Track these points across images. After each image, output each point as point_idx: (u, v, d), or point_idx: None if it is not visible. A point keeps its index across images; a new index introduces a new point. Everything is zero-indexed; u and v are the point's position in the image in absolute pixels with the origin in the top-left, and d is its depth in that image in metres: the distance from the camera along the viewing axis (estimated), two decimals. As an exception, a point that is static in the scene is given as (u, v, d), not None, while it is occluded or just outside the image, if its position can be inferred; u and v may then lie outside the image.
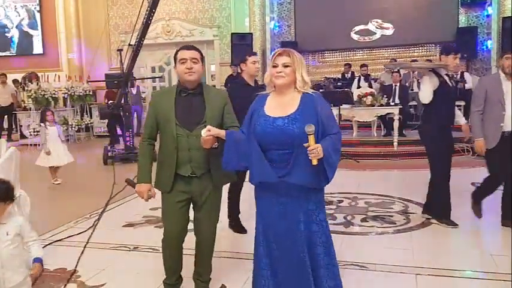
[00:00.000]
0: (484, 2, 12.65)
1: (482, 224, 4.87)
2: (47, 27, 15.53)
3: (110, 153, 9.26)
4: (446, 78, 4.83)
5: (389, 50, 13.64)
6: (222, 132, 2.77)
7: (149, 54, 14.94)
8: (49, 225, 5.28)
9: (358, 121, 10.14)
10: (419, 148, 9.10)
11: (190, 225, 3.26)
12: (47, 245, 4.62)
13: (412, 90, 11.31)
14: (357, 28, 13.66)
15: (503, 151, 4.51)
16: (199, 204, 3.15)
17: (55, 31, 15.38)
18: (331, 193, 6.16)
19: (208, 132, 2.73)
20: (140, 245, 4.48)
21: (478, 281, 3.64)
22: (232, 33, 13.00)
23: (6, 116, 13.44)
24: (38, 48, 15.74)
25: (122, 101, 9.64)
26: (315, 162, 2.44)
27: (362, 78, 11.87)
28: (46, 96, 12.21)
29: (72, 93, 13.09)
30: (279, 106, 2.65)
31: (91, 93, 13.81)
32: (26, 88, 12.57)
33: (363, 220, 5.18)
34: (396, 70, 10.69)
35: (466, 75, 10.93)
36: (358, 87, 11.44)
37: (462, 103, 10.05)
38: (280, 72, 2.61)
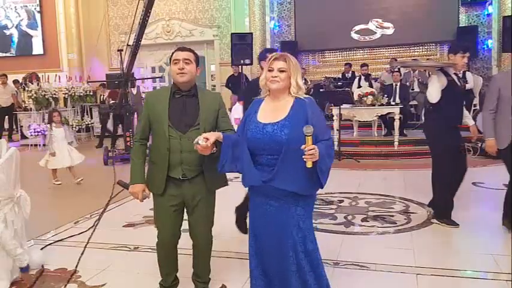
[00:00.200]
0: (485, 1, 12.64)
1: (483, 224, 4.87)
2: (47, 27, 15.52)
3: (110, 153, 9.26)
4: (455, 77, 4.79)
5: (390, 49, 13.63)
6: (220, 136, 2.74)
7: (149, 54, 14.95)
8: (50, 225, 5.29)
9: (359, 121, 10.13)
10: (420, 148, 9.15)
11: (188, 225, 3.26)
12: (47, 245, 4.63)
13: (413, 89, 11.31)
14: (357, 28, 13.65)
15: None
16: (192, 208, 3.14)
17: (55, 31, 15.37)
18: (331, 193, 6.16)
19: (207, 142, 2.66)
20: (140, 245, 4.48)
21: (479, 280, 3.63)
22: (232, 33, 12.97)
23: (6, 117, 13.43)
24: (38, 49, 15.73)
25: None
26: (309, 164, 2.43)
27: (362, 77, 11.86)
28: (46, 96, 12.20)
29: (73, 94, 13.08)
30: (270, 112, 2.66)
31: (91, 93, 13.81)
32: (26, 88, 12.57)
33: (364, 220, 5.18)
34: (397, 69, 10.68)
35: (468, 74, 10.92)
36: (359, 86, 11.44)
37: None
38: (275, 77, 2.61)
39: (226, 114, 3.20)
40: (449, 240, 4.52)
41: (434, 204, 5.01)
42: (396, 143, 9.30)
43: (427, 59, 12.27)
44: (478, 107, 10.01)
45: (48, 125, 7.51)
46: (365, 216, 5.31)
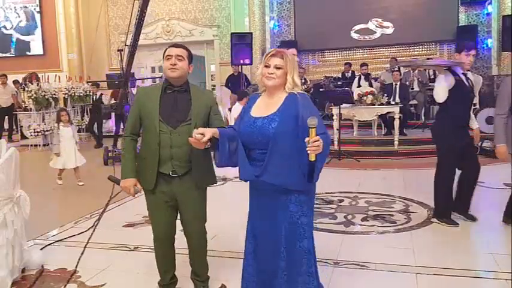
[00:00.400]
0: (484, 0, 12.64)
1: (483, 223, 4.86)
2: (47, 27, 15.53)
3: (110, 154, 9.26)
4: (463, 77, 4.76)
5: (390, 49, 13.62)
6: (216, 132, 2.72)
7: (149, 54, 14.95)
8: (49, 225, 5.29)
9: (359, 120, 10.13)
10: (420, 147, 9.17)
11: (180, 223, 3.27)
12: (47, 245, 4.64)
13: (413, 89, 11.31)
14: (357, 27, 13.64)
15: None
16: (183, 205, 3.15)
17: (55, 32, 15.39)
18: (331, 192, 6.17)
19: (202, 137, 2.62)
20: (140, 245, 4.47)
21: (479, 280, 3.64)
22: (232, 33, 12.99)
23: (6, 117, 13.44)
24: (38, 49, 15.74)
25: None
26: (313, 157, 2.39)
27: (362, 77, 11.87)
28: (46, 96, 12.19)
29: (73, 94, 13.08)
30: (263, 107, 2.67)
31: (91, 93, 13.80)
32: (26, 89, 12.57)
33: (364, 219, 5.17)
34: (397, 69, 10.68)
35: (468, 74, 10.91)
36: (359, 86, 11.44)
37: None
38: (272, 73, 2.61)
39: (219, 111, 3.20)
40: (449, 240, 4.51)
41: (435, 203, 5.00)
42: (396, 143, 9.29)
43: (427, 59, 12.27)
44: (477, 106, 9.99)
45: (56, 124, 7.44)
46: (365, 215, 5.30)
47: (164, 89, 3.07)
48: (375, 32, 13.57)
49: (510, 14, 11.16)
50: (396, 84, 10.34)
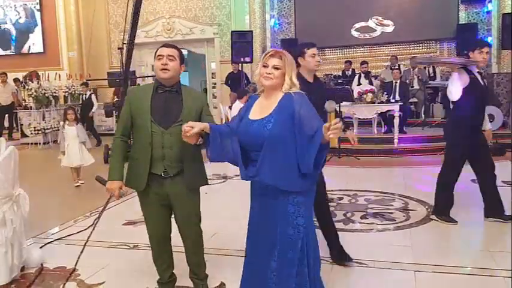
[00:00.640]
0: (484, -2, 12.64)
1: (481, 221, 4.87)
2: (47, 25, 15.52)
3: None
4: (478, 76, 4.70)
5: (390, 47, 13.60)
6: (206, 126, 2.72)
7: (150, 52, 14.91)
8: (49, 223, 5.30)
9: (359, 118, 10.14)
10: (419, 145, 9.19)
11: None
12: (47, 243, 4.65)
13: (413, 87, 11.32)
14: (357, 25, 13.61)
15: None
16: (176, 206, 3.15)
17: (55, 29, 15.38)
18: (331, 190, 6.16)
19: (192, 129, 2.65)
20: (140, 243, 4.47)
21: (477, 277, 3.63)
22: (232, 31, 12.99)
23: (7, 115, 13.46)
24: (38, 47, 15.74)
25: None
26: (334, 141, 2.35)
27: (362, 75, 11.87)
28: (47, 95, 12.21)
29: (73, 92, 13.09)
30: (260, 109, 2.67)
31: (92, 91, 13.79)
32: (26, 87, 12.58)
33: (363, 217, 5.19)
34: (397, 67, 10.67)
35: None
36: (359, 84, 11.45)
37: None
38: (269, 73, 2.61)
39: (210, 112, 3.20)
40: (448, 237, 4.53)
41: (435, 200, 4.99)
42: (396, 141, 9.31)
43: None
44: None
45: (62, 123, 7.38)
46: (364, 213, 5.31)
47: (155, 89, 3.07)
48: (375, 30, 13.55)
49: (510, 12, 11.15)
50: (396, 82, 10.35)
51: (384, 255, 4.00)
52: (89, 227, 4.80)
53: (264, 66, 2.63)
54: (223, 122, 9.22)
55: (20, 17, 15.84)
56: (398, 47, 13.51)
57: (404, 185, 6.58)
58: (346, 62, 13.15)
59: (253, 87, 10.66)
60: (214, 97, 14.74)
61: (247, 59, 12.42)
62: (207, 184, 3.26)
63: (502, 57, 11.81)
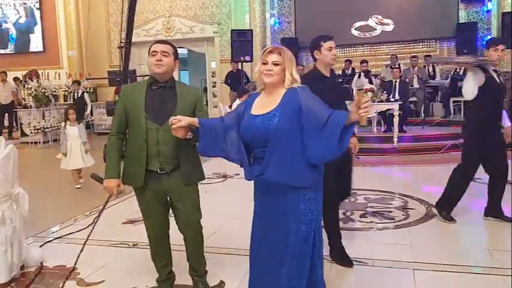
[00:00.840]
0: (484, -3, 12.65)
1: (480, 219, 4.87)
2: (47, 24, 15.52)
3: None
4: (494, 74, 4.65)
5: (390, 46, 13.61)
6: (195, 120, 2.72)
7: (150, 51, 14.92)
8: (49, 222, 5.30)
9: (358, 117, 10.11)
10: (419, 144, 9.19)
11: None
12: (46, 242, 4.65)
13: (412, 86, 11.32)
14: (357, 24, 13.63)
15: None
16: (175, 202, 3.15)
17: (55, 28, 15.38)
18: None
19: (179, 123, 2.68)
20: (140, 242, 4.47)
21: (476, 276, 3.64)
22: (232, 30, 12.99)
23: (6, 114, 13.45)
24: (38, 46, 15.74)
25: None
26: (364, 121, 2.38)
27: (362, 74, 11.86)
28: (47, 93, 12.20)
29: (73, 91, 13.08)
30: (263, 104, 2.64)
31: (91, 90, 13.81)
32: (26, 86, 12.58)
33: (362, 216, 5.19)
34: (396, 66, 10.66)
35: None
36: (359, 83, 11.44)
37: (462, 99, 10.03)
38: (269, 70, 2.58)
39: (203, 108, 3.21)
40: (447, 236, 4.53)
41: (442, 194, 4.93)
42: (395, 139, 9.30)
43: (426, 56, 12.27)
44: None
45: (63, 123, 7.28)
46: (364, 212, 5.32)
47: (150, 85, 3.07)
48: (375, 29, 13.56)
49: (510, 11, 11.16)
50: (396, 81, 10.34)
51: (383, 254, 4.01)
52: (88, 225, 4.80)
53: (264, 64, 2.61)
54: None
55: (20, 16, 15.85)
56: (398, 46, 13.52)
57: (404, 184, 6.59)
58: (346, 60, 13.13)
59: (253, 86, 10.66)
60: (214, 96, 14.75)
61: (247, 58, 12.41)
62: (204, 179, 3.26)
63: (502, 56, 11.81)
